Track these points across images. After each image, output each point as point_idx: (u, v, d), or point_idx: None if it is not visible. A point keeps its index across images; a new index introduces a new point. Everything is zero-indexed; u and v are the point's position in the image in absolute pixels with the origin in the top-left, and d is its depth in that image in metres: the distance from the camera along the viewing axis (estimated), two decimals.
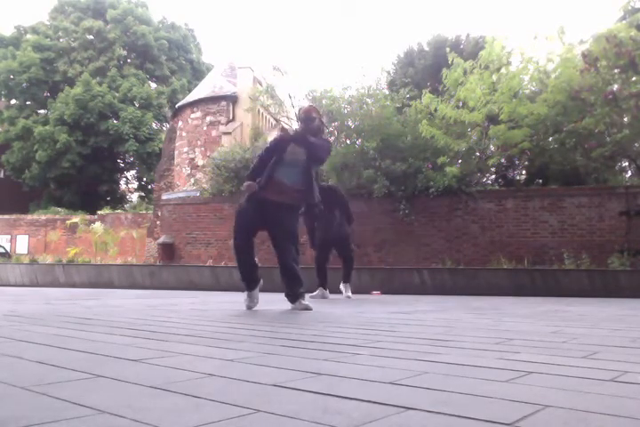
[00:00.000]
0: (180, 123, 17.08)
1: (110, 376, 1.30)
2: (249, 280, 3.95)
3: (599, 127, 9.73)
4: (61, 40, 29.10)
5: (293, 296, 3.89)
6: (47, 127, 25.69)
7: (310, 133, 4.10)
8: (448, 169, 9.90)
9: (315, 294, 5.99)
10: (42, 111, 28.60)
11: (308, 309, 3.82)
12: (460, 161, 10.98)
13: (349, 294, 6.16)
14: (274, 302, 4.50)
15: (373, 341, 2.05)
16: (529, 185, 11.69)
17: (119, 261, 12.30)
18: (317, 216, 5.44)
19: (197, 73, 30.67)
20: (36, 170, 26.18)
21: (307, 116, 4.22)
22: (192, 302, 4.97)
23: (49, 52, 27.86)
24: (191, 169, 15.86)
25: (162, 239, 12.41)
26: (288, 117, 14.67)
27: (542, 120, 10.22)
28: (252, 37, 74.31)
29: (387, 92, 13.66)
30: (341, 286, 6.26)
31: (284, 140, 4.11)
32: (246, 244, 3.94)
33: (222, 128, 15.63)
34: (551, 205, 9.70)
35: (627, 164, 11.94)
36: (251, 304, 3.94)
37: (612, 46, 9.05)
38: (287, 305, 3.95)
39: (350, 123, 12.30)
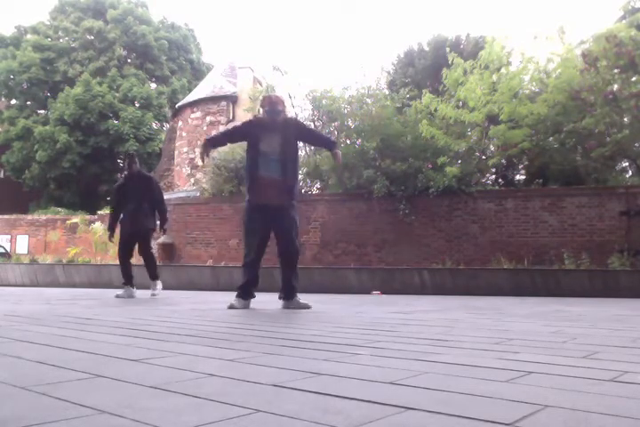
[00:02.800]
0: (179, 123, 17.08)
1: (110, 376, 1.30)
2: (247, 293, 4.01)
3: (599, 127, 9.72)
4: (61, 40, 29.07)
5: (290, 292, 3.93)
6: (47, 127, 25.67)
7: (275, 127, 3.98)
8: (448, 169, 9.89)
9: (120, 293, 5.64)
10: (42, 111, 28.57)
11: (307, 307, 3.86)
12: (459, 161, 10.98)
13: (155, 291, 5.77)
14: (273, 302, 4.49)
15: (373, 341, 2.05)
16: (529, 185, 11.69)
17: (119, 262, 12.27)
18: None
19: (197, 73, 30.65)
20: (35, 170, 26.16)
21: (272, 109, 4.02)
22: (192, 301, 4.97)
23: (49, 52, 27.84)
24: (191, 169, 15.86)
25: (162, 239, 12.39)
26: None
27: (542, 120, 10.22)
28: (252, 37, 74.31)
29: (387, 92, 13.66)
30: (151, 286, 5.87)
31: (253, 124, 4.08)
32: (259, 259, 4.04)
33: (222, 128, 15.63)
34: (551, 205, 9.69)
35: (627, 164, 11.93)
36: (238, 306, 3.95)
37: (612, 46, 9.05)
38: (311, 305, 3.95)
39: (350, 123, 12.30)
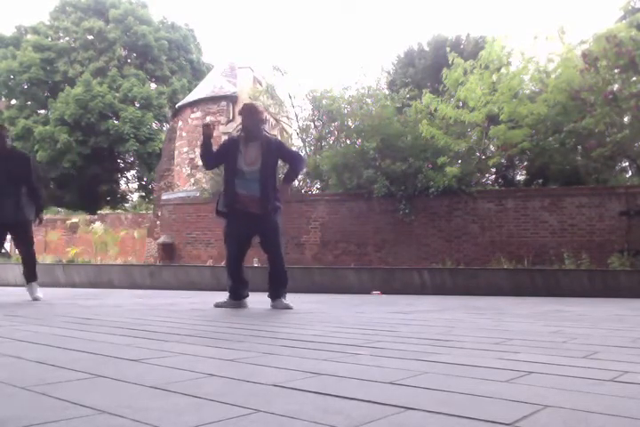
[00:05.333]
0: (180, 123, 17.08)
1: (110, 376, 1.30)
2: (236, 293, 4.04)
3: (599, 127, 9.72)
4: (62, 40, 29.07)
5: (277, 296, 3.99)
6: (47, 127, 25.66)
7: (257, 139, 3.93)
8: (448, 169, 9.89)
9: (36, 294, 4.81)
10: (42, 111, 28.56)
11: (288, 307, 3.90)
12: (459, 161, 10.98)
13: (39, 295, 4.74)
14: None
15: (373, 341, 2.05)
16: (529, 185, 11.69)
17: (119, 261, 12.29)
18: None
19: (197, 73, 30.63)
20: None
21: (252, 119, 3.92)
22: (192, 302, 4.97)
23: (49, 52, 27.83)
24: (191, 169, 15.85)
25: (162, 239, 12.40)
26: (288, 117, 14.65)
27: (542, 120, 10.22)
28: (252, 37, 74.24)
29: (387, 92, 13.67)
30: (26, 288, 4.91)
31: (232, 142, 4.02)
32: (240, 259, 4.06)
33: (222, 128, 15.61)
34: (551, 205, 9.69)
35: (627, 164, 11.93)
36: (228, 305, 4.00)
37: (612, 46, 9.04)
38: (293, 305, 3.96)
39: (350, 123, 12.31)
